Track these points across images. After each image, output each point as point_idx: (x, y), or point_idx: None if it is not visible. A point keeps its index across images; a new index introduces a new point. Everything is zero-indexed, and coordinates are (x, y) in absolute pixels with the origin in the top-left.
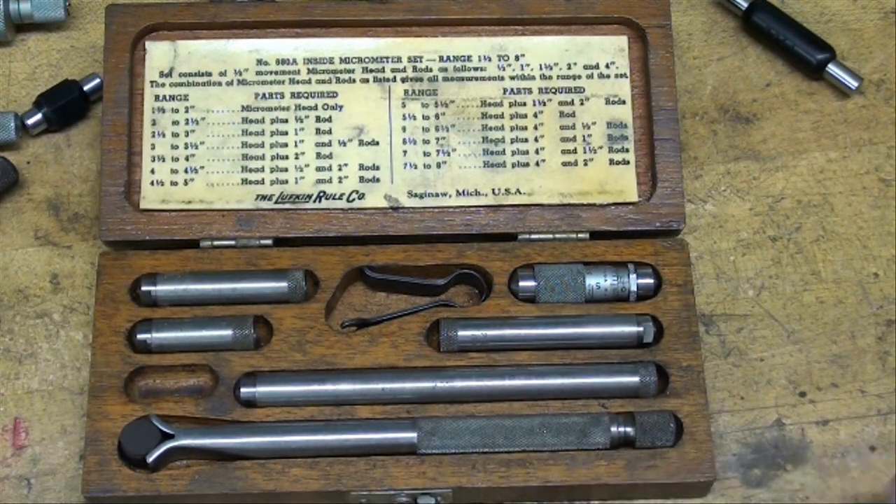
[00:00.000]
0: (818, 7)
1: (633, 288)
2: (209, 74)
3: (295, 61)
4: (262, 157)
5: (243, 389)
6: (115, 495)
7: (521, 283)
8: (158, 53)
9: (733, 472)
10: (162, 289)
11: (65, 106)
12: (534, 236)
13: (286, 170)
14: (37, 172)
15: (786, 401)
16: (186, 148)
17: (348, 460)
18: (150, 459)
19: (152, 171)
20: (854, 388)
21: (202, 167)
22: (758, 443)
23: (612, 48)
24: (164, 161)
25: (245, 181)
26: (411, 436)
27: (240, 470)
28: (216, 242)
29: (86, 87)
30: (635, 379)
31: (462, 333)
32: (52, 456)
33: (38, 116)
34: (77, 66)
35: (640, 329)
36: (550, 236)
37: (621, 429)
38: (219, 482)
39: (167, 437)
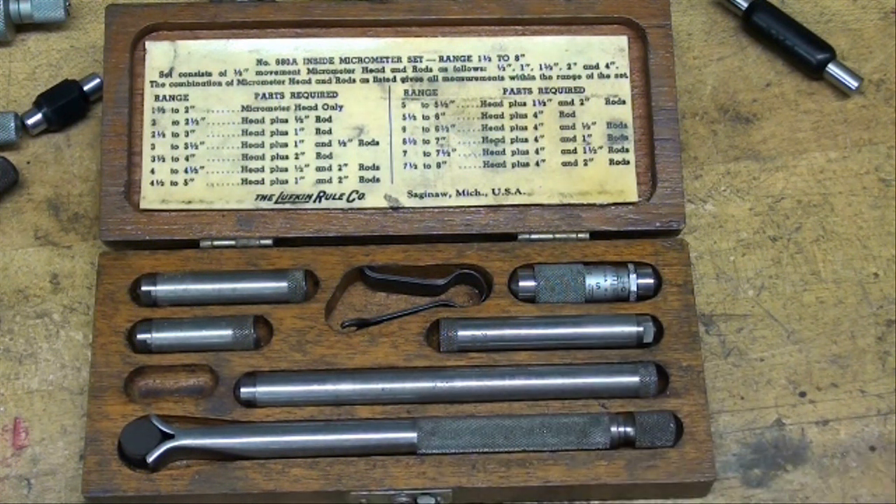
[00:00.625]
0: (818, 7)
1: (633, 288)
2: (209, 74)
3: (295, 61)
4: (262, 157)
5: (243, 389)
6: (115, 495)
7: (521, 283)
8: (158, 53)
9: (733, 472)
10: (162, 289)
11: (65, 106)
12: (534, 236)
13: (286, 170)
14: (37, 172)
15: (786, 401)
16: (186, 148)
17: (348, 460)
18: (150, 459)
19: (152, 171)
20: (854, 388)
21: (202, 167)
22: (758, 443)
23: (612, 48)
24: (164, 161)
25: (245, 181)
26: (411, 436)
27: (240, 470)
28: (216, 242)
29: (86, 87)
30: (635, 379)
31: (462, 333)
32: (52, 456)
33: (38, 116)
34: (77, 66)
35: (640, 329)
36: (550, 236)
37: (621, 429)
38: (219, 482)
39: (167, 437)
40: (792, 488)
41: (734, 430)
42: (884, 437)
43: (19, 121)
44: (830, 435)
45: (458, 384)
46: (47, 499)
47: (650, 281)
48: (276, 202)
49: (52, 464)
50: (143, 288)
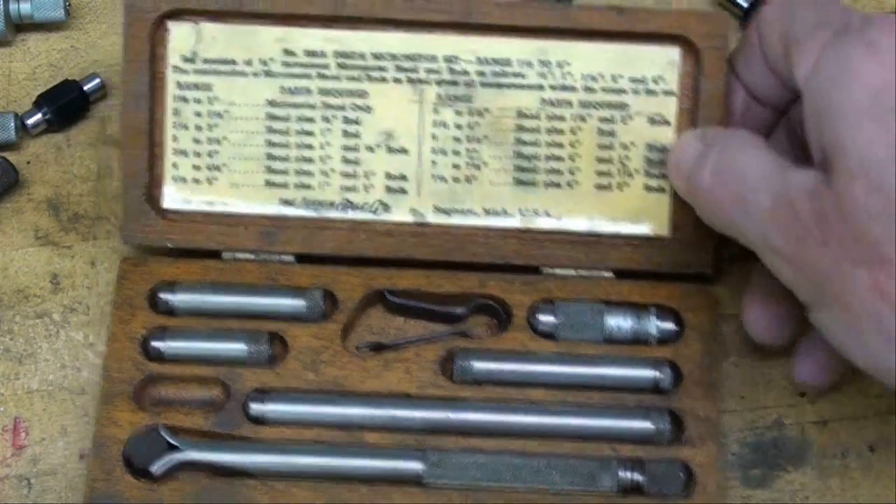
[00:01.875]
0: None
1: (654, 332)
2: (234, 62)
3: (324, 54)
4: (287, 159)
5: (253, 406)
6: (118, 503)
7: (541, 318)
8: (181, 35)
9: (733, 472)
10: (180, 298)
11: (65, 106)
12: (557, 271)
13: (311, 174)
14: (37, 172)
15: (786, 401)
16: (209, 143)
17: (352, 486)
18: (155, 470)
19: (174, 166)
20: (854, 388)
21: (225, 165)
22: (758, 443)
23: (662, 60)
24: (186, 156)
25: (269, 183)
26: (417, 466)
27: (244, 487)
28: (238, 255)
29: (86, 87)
30: (649, 425)
31: (477, 365)
32: (52, 456)
33: (38, 116)
34: (77, 66)
35: (657, 374)
36: (574, 272)
37: (630, 475)
38: (222, 498)
39: (173, 448)
40: (792, 488)
41: (734, 430)
42: (884, 437)
43: (19, 121)
44: (830, 435)
45: (470, 416)
46: (47, 499)
47: (671, 326)
48: (299, 207)
49: (52, 464)
50: (161, 296)
